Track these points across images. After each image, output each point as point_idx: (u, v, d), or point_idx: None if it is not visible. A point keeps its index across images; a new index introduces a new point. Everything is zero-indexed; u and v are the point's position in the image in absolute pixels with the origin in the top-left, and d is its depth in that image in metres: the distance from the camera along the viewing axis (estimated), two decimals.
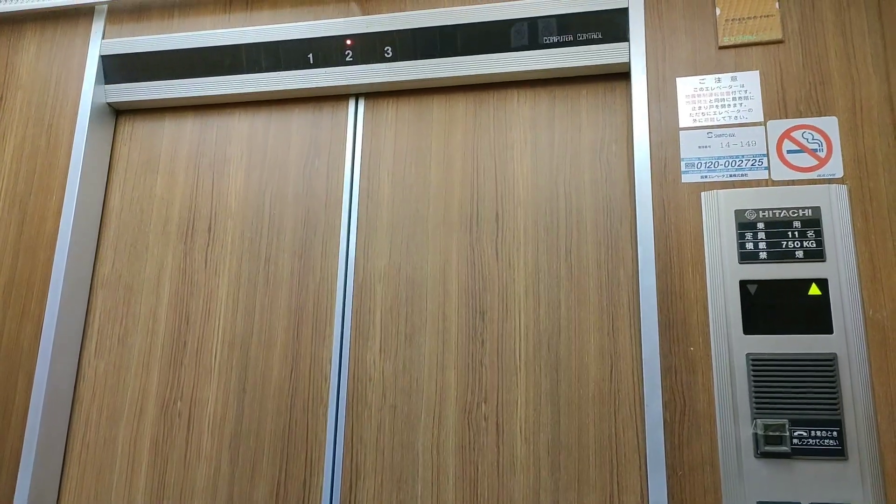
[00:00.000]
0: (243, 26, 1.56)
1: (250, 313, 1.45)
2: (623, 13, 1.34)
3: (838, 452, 1.09)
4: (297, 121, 1.55)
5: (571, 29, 1.35)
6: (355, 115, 1.52)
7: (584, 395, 1.26)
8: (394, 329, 1.37)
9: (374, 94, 1.52)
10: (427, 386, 1.32)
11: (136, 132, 1.63)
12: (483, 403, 1.29)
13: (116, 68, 1.59)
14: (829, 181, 1.20)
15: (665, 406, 1.16)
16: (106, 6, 1.63)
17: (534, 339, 1.30)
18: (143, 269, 1.53)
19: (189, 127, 1.61)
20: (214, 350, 1.45)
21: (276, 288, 1.45)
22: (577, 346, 1.28)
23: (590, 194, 1.36)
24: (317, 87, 1.49)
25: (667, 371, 1.18)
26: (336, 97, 1.54)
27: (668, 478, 1.13)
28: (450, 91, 1.48)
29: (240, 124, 1.58)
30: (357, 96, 1.53)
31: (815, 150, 1.21)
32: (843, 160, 1.20)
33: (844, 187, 1.18)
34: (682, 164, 1.26)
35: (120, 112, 1.65)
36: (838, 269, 1.15)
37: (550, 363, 1.28)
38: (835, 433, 1.10)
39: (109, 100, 1.60)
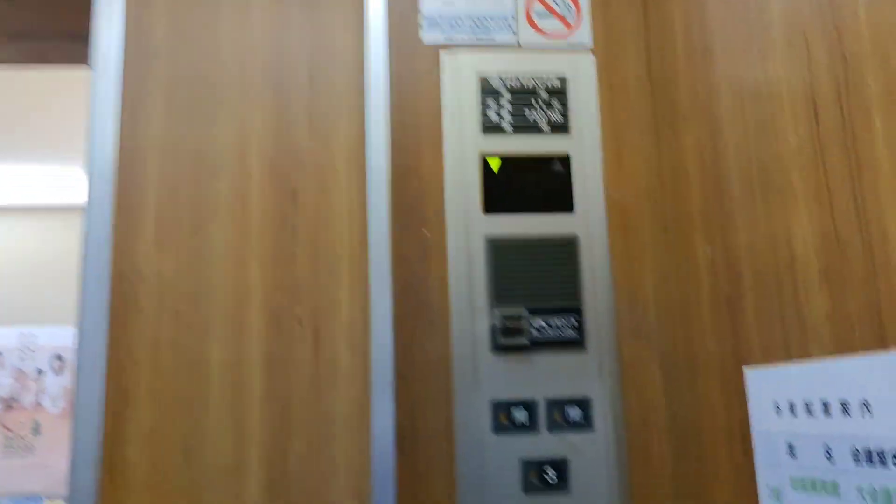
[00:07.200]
0: None
1: None
2: None
3: (578, 343, 1.00)
4: None
5: None
6: None
7: None
8: (173, 216, 1.00)
9: None
10: (221, 286, 0.98)
11: None
12: (297, 305, 0.99)
13: None
14: (578, 50, 1.08)
15: (395, 300, 0.97)
16: None
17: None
18: None
19: None
20: None
21: None
22: None
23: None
24: None
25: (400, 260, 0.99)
26: None
27: (396, 383, 0.95)
28: None
29: None
30: None
31: (565, 15, 1.09)
32: (594, 30, 1.09)
33: (592, 58, 1.08)
34: (424, 21, 1.06)
35: None
36: (582, 145, 1.04)
37: None
38: (574, 321, 1.00)
39: None
